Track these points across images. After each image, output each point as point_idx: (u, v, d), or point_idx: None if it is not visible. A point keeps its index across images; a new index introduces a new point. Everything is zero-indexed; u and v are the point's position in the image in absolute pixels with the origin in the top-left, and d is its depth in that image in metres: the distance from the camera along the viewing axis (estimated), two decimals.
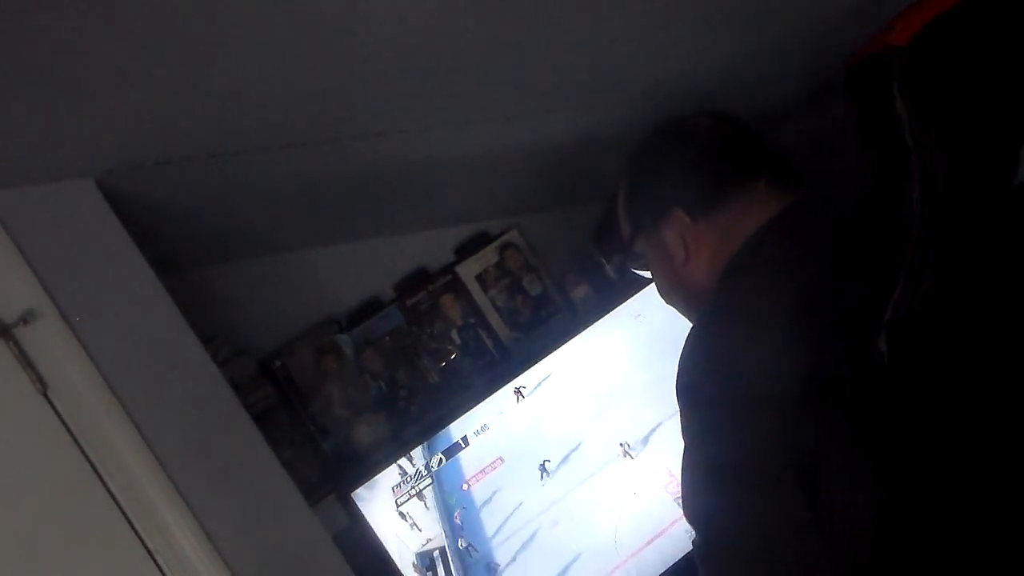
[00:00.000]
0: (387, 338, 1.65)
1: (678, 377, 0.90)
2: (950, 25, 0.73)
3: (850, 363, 0.76)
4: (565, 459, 1.45)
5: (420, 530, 1.38)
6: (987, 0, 0.74)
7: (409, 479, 1.45)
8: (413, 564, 1.36)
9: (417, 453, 1.44)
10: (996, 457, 0.71)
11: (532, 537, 1.39)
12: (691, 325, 0.96)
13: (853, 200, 0.83)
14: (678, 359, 0.92)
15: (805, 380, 0.80)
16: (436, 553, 1.36)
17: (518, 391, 1.47)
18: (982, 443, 0.71)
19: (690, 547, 0.89)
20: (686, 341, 0.92)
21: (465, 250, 1.75)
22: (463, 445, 1.49)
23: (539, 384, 1.48)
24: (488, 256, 1.74)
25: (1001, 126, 0.73)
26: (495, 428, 1.50)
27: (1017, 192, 0.74)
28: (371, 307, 1.67)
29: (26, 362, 0.96)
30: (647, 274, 1.15)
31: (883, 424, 0.75)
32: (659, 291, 1.13)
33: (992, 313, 0.71)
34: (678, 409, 0.90)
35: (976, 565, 0.72)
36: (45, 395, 0.97)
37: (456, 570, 1.36)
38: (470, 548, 1.38)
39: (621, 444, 1.47)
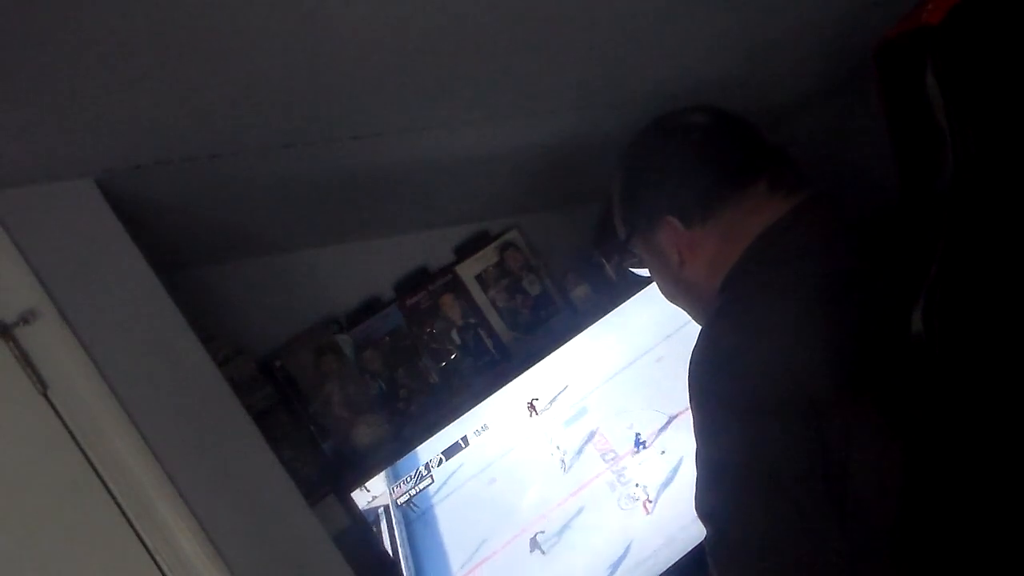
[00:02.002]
0: (387, 338, 1.65)
1: (689, 377, 0.90)
2: (983, 3, 0.72)
3: (883, 347, 0.76)
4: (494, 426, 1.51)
5: (367, 490, 1.43)
6: None
7: (409, 479, 1.46)
8: None
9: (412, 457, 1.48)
10: None
11: (469, 493, 1.46)
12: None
13: (877, 187, 0.82)
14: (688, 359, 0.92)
15: (828, 375, 0.79)
16: (380, 509, 1.42)
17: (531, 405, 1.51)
18: (1018, 423, 0.70)
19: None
20: (696, 341, 0.92)
21: (465, 250, 1.75)
22: (463, 445, 1.50)
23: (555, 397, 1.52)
24: (488, 256, 1.74)
25: None
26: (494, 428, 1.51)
27: None
28: (371, 307, 1.67)
29: (26, 362, 0.96)
30: (645, 272, 1.14)
31: (918, 405, 0.74)
32: (661, 292, 1.13)
33: None
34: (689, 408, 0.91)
35: (1006, 557, 0.72)
36: (45, 395, 0.97)
37: (397, 523, 1.41)
38: (411, 503, 1.43)
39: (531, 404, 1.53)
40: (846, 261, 0.88)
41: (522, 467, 1.49)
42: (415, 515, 1.41)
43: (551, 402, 1.51)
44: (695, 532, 1.44)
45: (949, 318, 0.70)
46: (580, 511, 1.48)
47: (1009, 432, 0.70)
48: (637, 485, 1.48)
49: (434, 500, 1.45)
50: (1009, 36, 0.72)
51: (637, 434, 1.52)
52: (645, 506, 1.49)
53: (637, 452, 1.51)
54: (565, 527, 1.46)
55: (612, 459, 1.50)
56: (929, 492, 0.75)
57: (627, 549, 1.45)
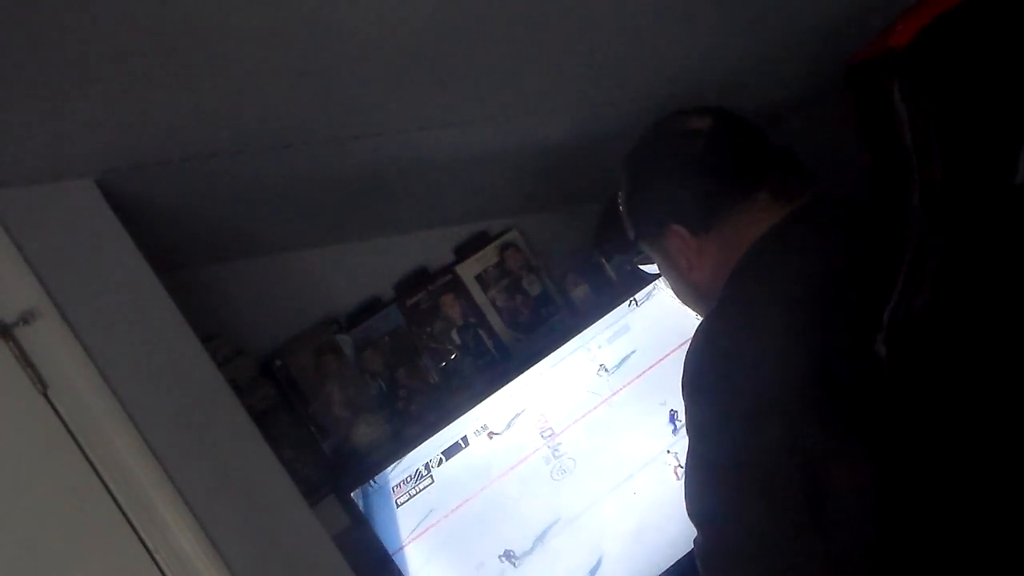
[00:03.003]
0: (387, 338, 1.65)
1: (683, 375, 0.91)
2: (951, 26, 0.73)
3: (849, 367, 0.76)
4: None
5: None
6: (988, 2, 0.73)
7: (409, 479, 1.46)
8: None
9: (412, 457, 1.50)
10: (994, 459, 0.71)
11: (428, 474, 1.52)
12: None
13: (855, 200, 0.83)
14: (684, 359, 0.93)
15: (807, 383, 0.80)
16: None
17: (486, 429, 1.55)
18: (980, 445, 0.71)
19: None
20: (691, 341, 0.93)
21: (465, 250, 1.75)
22: (463, 445, 1.50)
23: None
24: (488, 256, 1.74)
25: (1001, 127, 0.73)
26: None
27: (1016, 193, 0.74)
28: (371, 307, 1.67)
29: (26, 362, 0.96)
30: (653, 268, 1.15)
31: (883, 426, 0.75)
32: (673, 292, 1.14)
33: (992, 315, 0.71)
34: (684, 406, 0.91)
35: (973, 563, 0.72)
36: (45, 395, 0.97)
37: (356, 495, 1.45)
38: (371, 480, 1.47)
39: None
40: (843, 263, 0.89)
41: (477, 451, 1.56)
42: (373, 489, 1.47)
43: (507, 426, 1.55)
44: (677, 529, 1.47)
45: (911, 340, 0.70)
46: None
47: (973, 448, 0.71)
48: (572, 459, 1.56)
49: (390, 477, 1.51)
50: (977, 59, 0.72)
51: (672, 411, 1.59)
52: (676, 472, 1.56)
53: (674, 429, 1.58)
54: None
55: (549, 435, 1.56)
56: (902, 505, 0.75)
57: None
